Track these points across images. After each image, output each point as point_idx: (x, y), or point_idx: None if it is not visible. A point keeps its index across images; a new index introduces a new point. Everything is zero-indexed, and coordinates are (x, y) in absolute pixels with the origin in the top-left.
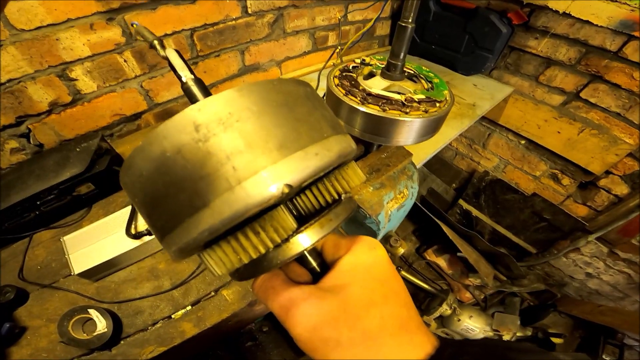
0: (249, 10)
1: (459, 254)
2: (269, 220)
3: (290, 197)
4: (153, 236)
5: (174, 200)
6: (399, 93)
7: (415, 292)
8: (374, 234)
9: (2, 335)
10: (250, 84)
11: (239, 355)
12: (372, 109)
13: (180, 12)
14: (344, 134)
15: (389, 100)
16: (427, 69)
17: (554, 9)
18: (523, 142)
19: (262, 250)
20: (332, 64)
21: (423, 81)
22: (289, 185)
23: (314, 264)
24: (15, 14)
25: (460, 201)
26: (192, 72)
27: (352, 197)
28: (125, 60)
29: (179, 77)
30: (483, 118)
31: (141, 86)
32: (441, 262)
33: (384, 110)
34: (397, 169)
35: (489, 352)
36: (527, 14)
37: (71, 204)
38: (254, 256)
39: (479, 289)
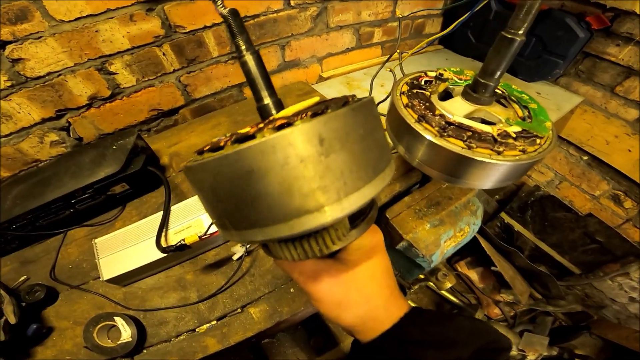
0: (292, 3)
1: (493, 268)
2: (337, 225)
3: None
4: (181, 251)
5: (261, 204)
6: (485, 122)
7: (440, 303)
8: (421, 269)
9: (28, 335)
10: (341, 112)
11: (255, 351)
12: (455, 145)
13: None
14: (392, 161)
15: (475, 134)
16: (520, 90)
17: None
18: (585, 157)
19: (325, 251)
20: (387, 68)
21: (516, 105)
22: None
23: None
24: (54, 4)
25: (503, 214)
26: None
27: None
28: (164, 54)
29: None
30: None
31: (179, 81)
32: (473, 275)
33: (470, 148)
34: (459, 202)
35: (447, 323)
36: (610, 18)
37: (105, 203)
38: (319, 255)
39: (509, 305)
